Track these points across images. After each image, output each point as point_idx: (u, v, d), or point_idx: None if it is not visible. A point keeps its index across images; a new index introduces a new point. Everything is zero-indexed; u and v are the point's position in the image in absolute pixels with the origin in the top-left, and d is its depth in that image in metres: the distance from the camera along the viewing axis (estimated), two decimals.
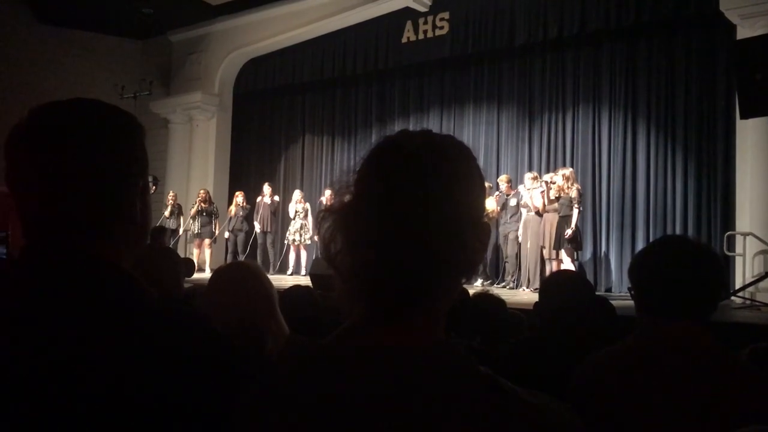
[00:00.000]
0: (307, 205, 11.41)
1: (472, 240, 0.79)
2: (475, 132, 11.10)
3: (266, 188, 11.96)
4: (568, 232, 8.26)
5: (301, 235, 11.33)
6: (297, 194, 11.71)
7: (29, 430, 0.86)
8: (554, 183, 8.55)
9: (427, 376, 0.73)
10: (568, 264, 8.30)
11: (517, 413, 0.73)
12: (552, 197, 8.54)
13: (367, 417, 0.72)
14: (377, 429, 0.72)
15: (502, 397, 0.73)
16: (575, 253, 8.52)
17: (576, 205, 8.38)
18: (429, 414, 0.71)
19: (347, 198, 0.79)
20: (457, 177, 0.78)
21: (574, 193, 8.40)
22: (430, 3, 10.92)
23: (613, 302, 3.54)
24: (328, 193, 11.10)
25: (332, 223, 0.79)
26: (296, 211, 11.45)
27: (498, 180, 9.69)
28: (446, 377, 0.74)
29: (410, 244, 0.74)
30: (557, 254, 8.46)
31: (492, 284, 9.45)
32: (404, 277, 0.75)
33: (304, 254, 11.49)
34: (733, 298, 7.13)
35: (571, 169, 8.81)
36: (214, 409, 0.88)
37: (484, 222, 0.83)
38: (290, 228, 11.55)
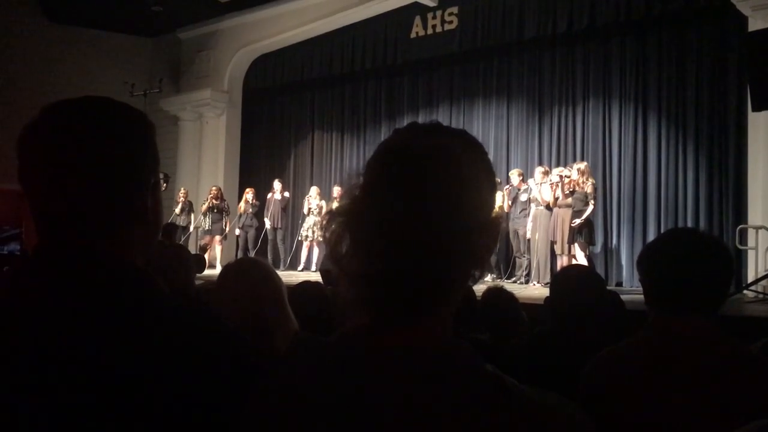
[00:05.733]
0: (322, 202, 11.37)
1: (480, 240, 0.79)
2: (485, 127, 11.07)
3: (276, 184, 11.98)
4: (576, 221, 8.22)
5: (314, 232, 11.30)
6: (314, 190, 11.70)
7: (46, 428, 0.87)
8: (568, 177, 8.49)
9: (433, 377, 0.73)
10: (581, 258, 8.25)
11: (523, 413, 0.72)
12: (566, 192, 8.48)
13: (373, 417, 0.73)
14: (382, 429, 0.72)
15: (506, 396, 0.73)
16: (587, 248, 8.48)
17: (591, 201, 8.32)
18: (434, 414, 0.71)
19: (354, 201, 0.78)
20: (463, 179, 0.77)
21: (589, 188, 8.33)
22: None
23: (624, 296, 3.54)
24: (336, 190, 11.12)
25: (338, 225, 0.79)
26: (309, 208, 11.44)
27: (509, 174, 9.66)
28: (451, 377, 0.74)
29: (416, 249, 0.74)
30: (570, 249, 8.42)
31: (502, 278, 9.44)
32: (410, 282, 0.75)
33: (316, 251, 11.48)
34: (745, 291, 7.09)
35: (586, 163, 8.76)
36: (228, 404, 0.89)
37: (494, 220, 0.82)
38: (304, 224, 11.54)
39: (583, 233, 8.33)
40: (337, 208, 0.81)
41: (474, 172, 0.80)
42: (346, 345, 0.79)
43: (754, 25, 7.68)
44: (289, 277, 9.07)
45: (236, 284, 2.02)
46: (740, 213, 8.51)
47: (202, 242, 11.83)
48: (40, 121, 0.99)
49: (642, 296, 1.77)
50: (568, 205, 8.43)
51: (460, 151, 0.80)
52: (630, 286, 8.96)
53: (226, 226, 11.94)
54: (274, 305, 1.99)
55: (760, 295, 6.97)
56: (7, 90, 12.27)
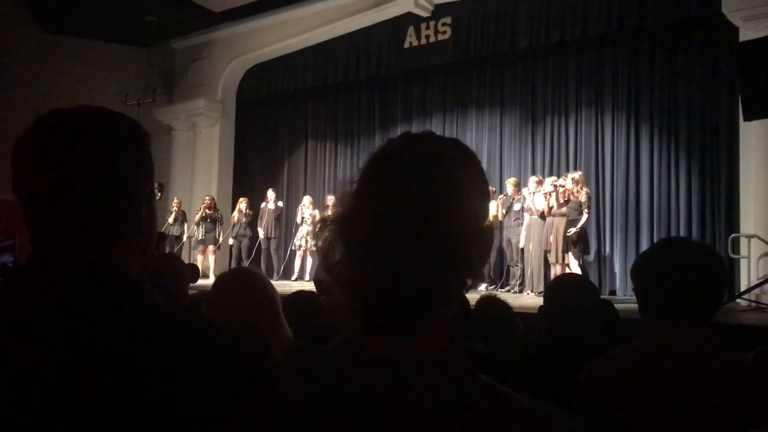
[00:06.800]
0: (315, 212, 11.36)
1: (473, 248, 0.79)
2: (478, 137, 11.10)
3: (270, 194, 11.97)
4: (572, 230, 8.24)
5: (307, 241, 11.31)
6: (307, 199, 11.70)
7: None
8: (562, 186, 8.52)
9: (427, 386, 0.73)
10: (575, 267, 8.26)
11: (517, 422, 0.72)
12: (561, 201, 8.50)
13: (368, 426, 0.73)
14: None
15: (501, 406, 0.73)
16: (581, 257, 8.49)
17: (585, 210, 8.34)
18: (429, 423, 0.71)
19: (346, 208, 0.78)
20: (456, 186, 0.77)
21: (583, 197, 8.36)
22: (432, 8, 10.94)
23: (618, 305, 3.54)
24: (330, 199, 11.12)
25: (331, 233, 0.79)
26: (303, 218, 11.44)
27: (506, 182, 9.69)
28: (445, 386, 0.74)
29: (409, 256, 0.74)
30: (564, 258, 8.43)
31: (496, 288, 9.45)
32: (404, 289, 0.75)
33: (309, 260, 11.47)
34: (738, 300, 7.10)
35: (580, 173, 8.79)
36: (224, 413, 0.89)
37: (487, 227, 0.82)
38: (298, 234, 11.53)
39: (578, 243, 8.35)
40: (329, 215, 0.80)
41: (466, 179, 0.80)
42: (341, 354, 0.79)
43: (745, 35, 7.74)
44: (283, 286, 9.04)
45: (230, 294, 2.02)
46: (732, 222, 8.55)
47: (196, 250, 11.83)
48: (34, 130, 0.99)
49: (635, 305, 1.77)
50: (563, 215, 8.45)
51: (453, 158, 0.80)
52: (623, 295, 8.98)
53: (219, 236, 11.92)
54: (269, 315, 1.98)
55: (753, 304, 6.99)
56: (1, 99, 12.24)
